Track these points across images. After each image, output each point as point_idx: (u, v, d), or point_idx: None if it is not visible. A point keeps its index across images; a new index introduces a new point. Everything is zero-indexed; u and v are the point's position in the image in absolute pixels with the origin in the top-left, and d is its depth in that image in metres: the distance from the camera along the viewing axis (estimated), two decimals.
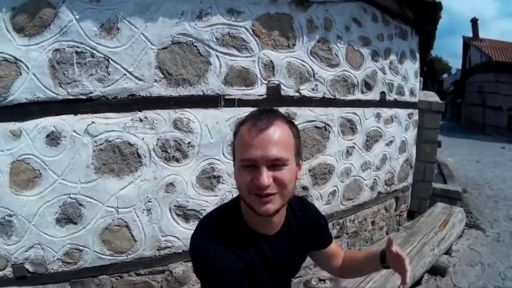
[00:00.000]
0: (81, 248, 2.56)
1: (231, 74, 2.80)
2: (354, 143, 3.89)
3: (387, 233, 4.80)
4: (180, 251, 2.84)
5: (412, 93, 5.05)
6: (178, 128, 2.67)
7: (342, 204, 3.92)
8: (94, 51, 2.39)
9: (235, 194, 1.27)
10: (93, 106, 2.44)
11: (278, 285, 1.27)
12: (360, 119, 3.91)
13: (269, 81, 3.01)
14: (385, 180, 4.60)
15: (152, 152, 2.63)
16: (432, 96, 6.09)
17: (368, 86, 3.93)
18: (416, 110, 5.36)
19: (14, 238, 2.44)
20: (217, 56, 2.73)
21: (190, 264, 2.80)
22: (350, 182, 3.95)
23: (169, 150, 2.67)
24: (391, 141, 4.55)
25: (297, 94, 3.22)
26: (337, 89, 3.56)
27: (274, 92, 3.04)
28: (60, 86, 2.35)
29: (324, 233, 1.48)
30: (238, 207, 1.18)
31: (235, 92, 2.85)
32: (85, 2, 2.32)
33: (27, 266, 2.49)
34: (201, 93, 2.72)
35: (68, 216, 2.50)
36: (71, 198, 2.48)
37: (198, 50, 2.67)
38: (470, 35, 26.95)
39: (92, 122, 2.45)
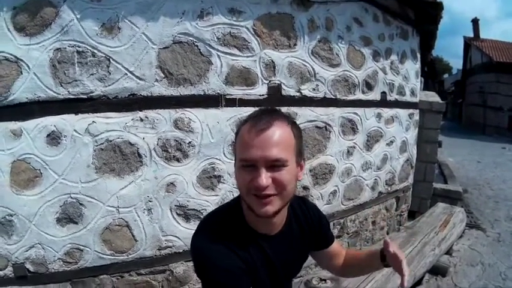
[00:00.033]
0: (81, 247, 2.56)
1: (232, 73, 2.80)
2: (354, 143, 3.89)
3: (388, 233, 4.79)
4: (181, 251, 2.84)
5: (413, 93, 5.04)
6: (179, 128, 2.67)
7: (343, 204, 3.92)
8: (95, 51, 2.38)
9: (236, 193, 1.27)
10: (94, 106, 2.44)
11: (279, 285, 1.26)
12: (361, 119, 3.90)
13: (270, 81, 3.00)
14: (386, 180, 4.59)
15: (153, 152, 2.63)
16: (433, 97, 6.08)
17: (369, 86, 3.93)
18: (417, 110, 5.35)
19: (14, 238, 2.44)
20: (218, 55, 2.73)
21: (191, 263, 2.81)
22: (351, 182, 3.95)
23: (170, 150, 2.67)
24: (391, 141, 4.55)
25: (297, 94, 3.22)
26: (338, 89, 3.56)
27: (275, 91, 3.04)
28: (61, 86, 2.35)
29: (325, 233, 1.47)
30: (239, 207, 1.18)
31: (236, 91, 2.85)
32: (86, 1, 2.32)
33: (28, 266, 2.49)
34: (202, 93, 2.72)
35: (69, 216, 2.50)
36: (71, 197, 2.48)
37: (199, 49, 2.66)
38: (471, 35, 26.92)
39: (93, 121, 2.45)
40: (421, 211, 5.52)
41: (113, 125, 2.50)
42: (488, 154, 13.76)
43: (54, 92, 2.34)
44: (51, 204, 2.45)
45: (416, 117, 5.34)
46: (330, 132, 3.55)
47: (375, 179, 4.35)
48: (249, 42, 2.84)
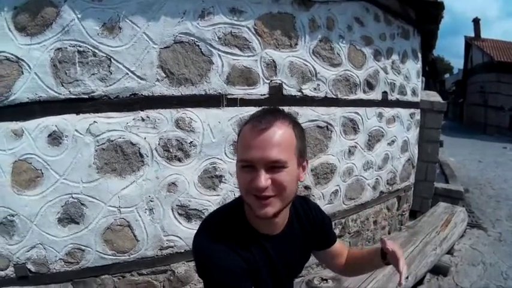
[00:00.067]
0: (83, 247, 2.56)
1: (233, 73, 2.80)
2: (356, 142, 3.88)
3: (389, 233, 4.79)
4: (182, 251, 2.83)
5: (414, 93, 5.04)
6: (180, 128, 2.67)
7: (344, 204, 3.91)
8: (96, 51, 2.38)
9: (237, 193, 1.27)
10: (95, 105, 2.44)
11: (281, 285, 1.26)
12: (362, 119, 3.90)
13: (271, 81, 3.00)
14: (387, 179, 4.59)
15: (154, 152, 2.62)
16: (434, 96, 6.07)
17: (370, 86, 3.92)
18: (418, 110, 5.35)
19: (16, 238, 2.44)
20: (219, 55, 2.73)
21: (192, 263, 2.81)
22: (352, 181, 3.95)
23: (171, 150, 2.67)
24: (393, 141, 4.54)
25: (299, 94, 3.21)
26: (339, 88, 3.55)
27: (276, 91, 3.04)
28: (62, 86, 2.35)
29: (327, 233, 1.47)
30: (241, 207, 1.17)
31: (238, 91, 2.84)
32: (87, 1, 2.31)
33: (29, 266, 2.49)
34: (203, 93, 2.71)
35: (70, 216, 2.50)
36: (73, 198, 2.48)
37: (200, 49, 2.66)
38: (472, 35, 26.90)
39: (94, 121, 2.44)
40: (423, 211, 5.51)
41: (114, 124, 2.49)
42: (490, 154, 13.74)
43: (55, 92, 2.34)
44: (53, 204, 2.45)
45: (418, 116, 5.34)
46: (331, 131, 3.55)
47: (376, 178, 4.35)
48: (250, 42, 2.84)
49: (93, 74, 2.40)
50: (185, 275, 2.89)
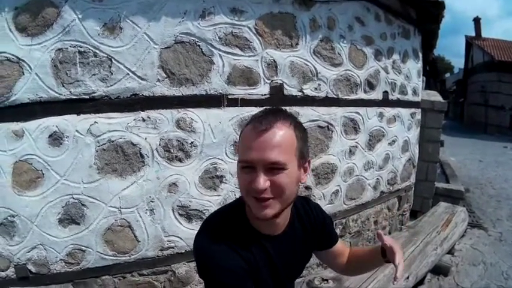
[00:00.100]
0: (83, 248, 2.56)
1: (234, 73, 2.80)
2: (356, 142, 3.88)
3: (390, 233, 4.79)
4: (183, 251, 2.83)
5: (414, 92, 5.03)
6: (181, 128, 2.67)
7: (345, 204, 3.91)
8: (97, 51, 2.38)
9: (238, 194, 1.27)
10: (96, 106, 2.44)
11: (282, 286, 1.26)
12: (363, 119, 3.89)
13: (272, 81, 3.00)
14: (388, 179, 4.59)
15: (155, 152, 2.62)
16: (435, 96, 6.07)
17: (371, 86, 3.92)
18: (419, 110, 5.35)
19: (16, 239, 2.44)
20: (220, 55, 2.72)
21: (193, 264, 2.81)
22: (353, 181, 3.95)
23: (172, 150, 2.66)
24: (393, 141, 4.54)
25: (299, 93, 3.21)
26: (340, 88, 3.55)
27: (277, 91, 3.03)
28: (63, 86, 2.35)
29: (328, 233, 1.47)
30: (242, 207, 1.17)
31: (238, 91, 2.84)
32: (88, 1, 2.31)
33: (30, 267, 2.49)
34: (204, 93, 2.71)
35: (71, 217, 2.50)
36: (73, 198, 2.47)
37: (201, 49, 2.66)
38: (473, 34, 26.87)
39: (95, 121, 2.44)
40: (423, 210, 5.51)
41: (115, 125, 2.49)
42: (490, 153, 13.73)
43: (56, 93, 2.34)
44: (53, 205, 2.45)
45: (418, 116, 5.33)
46: (332, 131, 3.54)
47: (377, 178, 4.34)
48: (250, 42, 2.84)
49: (94, 75, 2.40)
50: (186, 275, 2.89)
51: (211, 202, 2.86)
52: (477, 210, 6.49)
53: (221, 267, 1.03)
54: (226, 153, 2.86)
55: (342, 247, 1.55)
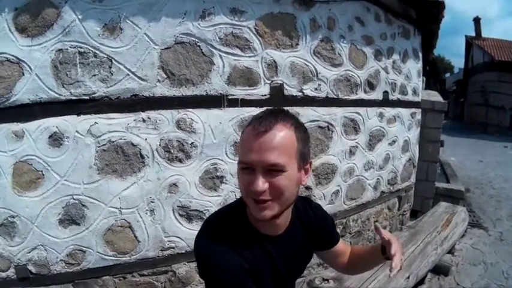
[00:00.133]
0: (84, 249, 2.56)
1: (234, 74, 2.80)
2: (357, 142, 3.88)
3: (390, 233, 4.78)
4: (184, 252, 2.83)
5: (415, 92, 5.03)
6: (181, 128, 2.67)
7: (345, 204, 3.91)
8: (97, 52, 2.38)
9: (238, 194, 1.27)
10: (96, 106, 2.44)
11: (283, 286, 1.26)
12: (363, 119, 3.89)
13: (272, 81, 3.00)
14: (388, 179, 4.59)
15: (155, 153, 2.62)
16: (435, 96, 6.07)
17: (371, 86, 3.92)
18: (419, 110, 5.34)
19: (17, 239, 2.44)
20: (220, 55, 2.72)
21: (193, 264, 2.81)
22: (353, 181, 3.95)
23: (172, 151, 2.66)
24: (394, 141, 4.54)
25: (300, 94, 3.21)
26: (340, 88, 3.55)
27: (277, 91, 3.03)
28: (63, 87, 2.35)
29: (330, 233, 1.47)
30: (243, 207, 1.16)
31: (239, 92, 2.84)
32: (88, 2, 2.31)
33: (30, 267, 2.49)
34: (204, 93, 2.71)
35: (71, 217, 2.50)
36: (73, 199, 2.47)
37: (201, 49, 2.66)
38: (473, 34, 26.85)
39: (95, 122, 2.44)
40: (424, 210, 5.51)
41: (115, 125, 2.49)
42: (490, 153, 13.72)
43: (56, 93, 2.34)
44: (54, 205, 2.44)
45: (419, 116, 5.33)
46: (332, 132, 3.54)
47: (377, 178, 4.34)
48: (251, 42, 2.84)
49: (94, 75, 2.40)
50: (186, 275, 2.89)
51: (211, 202, 2.86)
52: (477, 210, 6.49)
53: (222, 267, 1.03)
54: (226, 154, 2.86)
55: (344, 246, 1.56)
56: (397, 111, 4.52)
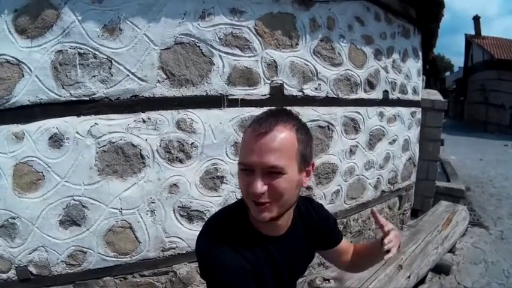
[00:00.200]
0: (85, 249, 2.56)
1: (234, 74, 2.79)
2: (357, 142, 3.88)
3: None
4: (184, 252, 2.83)
5: (415, 91, 5.03)
6: (181, 129, 2.67)
7: (346, 204, 3.91)
8: (97, 52, 2.38)
9: (239, 194, 1.26)
10: (96, 107, 2.44)
11: (284, 286, 1.26)
12: (363, 118, 3.89)
13: (272, 81, 3.00)
14: (389, 179, 4.59)
15: (155, 153, 2.62)
16: (435, 95, 6.07)
17: (371, 85, 3.92)
18: (419, 109, 5.34)
19: (17, 241, 2.43)
20: (220, 56, 2.72)
21: (194, 265, 2.81)
22: (353, 181, 3.95)
23: (172, 151, 2.66)
24: (394, 140, 4.54)
25: (300, 93, 3.21)
26: (340, 88, 3.55)
27: (277, 91, 3.03)
28: (63, 88, 2.35)
29: (332, 232, 1.47)
30: (244, 208, 1.15)
31: (239, 92, 2.84)
32: (87, 3, 2.31)
33: (31, 269, 2.49)
34: (204, 94, 2.71)
35: (72, 218, 2.49)
36: (74, 200, 2.47)
37: (201, 50, 2.66)
38: (473, 32, 26.82)
39: (95, 123, 2.44)
40: (424, 209, 5.50)
41: (115, 126, 2.49)
42: (491, 152, 13.70)
43: (56, 94, 2.34)
44: (54, 206, 2.44)
45: (419, 115, 5.33)
46: (332, 131, 3.54)
47: (378, 177, 4.34)
48: (250, 42, 2.83)
49: (94, 76, 2.40)
50: (187, 276, 2.89)
51: (212, 203, 2.86)
52: (478, 209, 6.48)
53: (223, 267, 1.03)
54: (226, 154, 2.86)
55: (347, 245, 1.56)
56: (397, 110, 4.52)
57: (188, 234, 2.79)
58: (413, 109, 5.03)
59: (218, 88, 2.75)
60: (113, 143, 2.50)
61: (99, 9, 2.34)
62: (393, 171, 4.66)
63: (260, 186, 0.98)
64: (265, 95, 2.97)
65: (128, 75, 2.47)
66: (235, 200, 1.33)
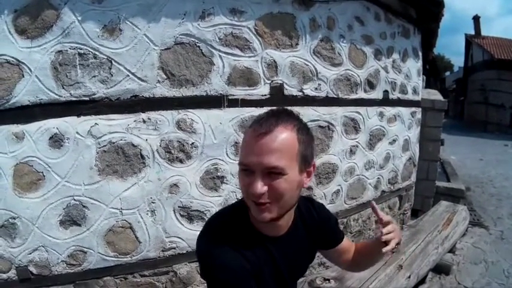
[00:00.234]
0: (85, 249, 2.56)
1: (234, 74, 2.80)
2: (357, 142, 3.88)
3: None
4: (185, 252, 2.84)
5: (415, 91, 5.03)
6: (181, 129, 2.67)
7: (346, 204, 3.91)
8: (97, 53, 2.38)
9: (239, 194, 1.26)
10: (96, 107, 2.44)
11: (284, 286, 1.26)
12: (363, 118, 3.89)
13: (272, 81, 3.00)
14: (389, 179, 4.59)
15: (156, 153, 2.62)
16: (435, 95, 6.06)
17: (371, 85, 3.92)
18: (420, 109, 5.34)
19: (17, 241, 2.43)
20: (220, 56, 2.72)
21: (194, 264, 2.81)
22: (354, 181, 3.95)
23: (172, 151, 2.66)
24: (394, 140, 4.54)
25: (300, 93, 3.21)
26: (340, 88, 3.55)
27: (277, 91, 3.03)
28: (63, 88, 2.35)
29: (334, 232, 1.47)
30: (245, 208, 1.15)
31: (239, 92, 2.84)
32: (87, 3, 2.31)
33: (31, 269, 2.49)
34: (204, 94, 2.71)
35: (72, 218, 2.50)
36: (74, 200, 2.47)
37: (201, 50, 2.66)
38: (473, 32, 26.82)
39: (95, 123, 2.44)
40: (424, 209, 5.50)
41: (115, 126, 2.49)
42: (491, 152, 13.70)
43: (56, 95, 2.34)
44: (54, 206, 2.44)
45: (419, 115, 5.33)
46: (332, 131, 3.54)
47: (378, 177, 4.34)
48: (250, 43, 2.84)
49: (94, 76, 2.40)
50: (187, 276, 2.89)
51: (212, 203, 2.86)
52: (478, 209, 6.48)
53: (223, 266, 1.03)
54: (227, 154, 2.86)
55: (348, 244, 1.55)
56: (397, 110, 4.52)
57: (188, 234, 2.79)
58: (413, 109, 5.03)
59: (218, 88, 2.75)
60: (113, 143, 2.50)
61: (99, 9, 2.34)
62: (393, 171, 4.66)
63: (260, 187, 0.98)
64: (265, 95, 2.97)
65: (128, 76, 2.47)
66: (236, 200, 1.34)
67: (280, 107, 1.19)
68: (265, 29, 2.89)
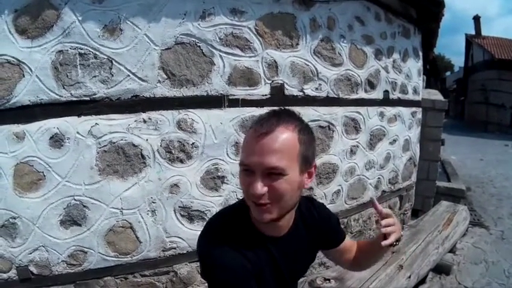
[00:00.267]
0: (85, 249, 2.56)
1: (235, 74, 2.79)
2: (357, 142, 3.88)
3: None
4: (185, 252, 2.84)
5: (415, 91, 5.03)
6: (182, 129, 2.67)
7: (346, 204, 3.91)
8: (97, 53, 2.38)
9: (240, 194, 1.26)
10: (97, 107, 2.43)
11: (285, 286, 1.26)
12: (364, 118, 3.89)
13: (273, 81, 3.00)
14: (389, 179, 4.59)
15: (156, 153, 2.62)
16: (435, 95, 6.07)
17: (371, 85, 3.92)
18: (420, 109, 5.34)
19: (18, 240, 2.43)
20: (220, 56, 2.72)
21: (195, 264, 2.81)
22: (354, 181, 3.94)
23: (173, 151, 2.66)
24: (394, 140, 4.54)
25: (300, 93, 3.21)
26: (341, 88, 3.55)
27: (277, 91, 3.03)
28: (64, 88, 2.34)
29: (335, 232, 1.47)
30: (245, 208, 1.15)
31: (239, 92, 2.84)
32: (88, 3, 2.31)
33: (32, 269, 2.49)
34: (205, 94, 2.71)
35: (72, 218, 2.49)
36: (75, 200, 2.47)
37: (202, 50, 2.66)
38: (473, 32, 26.82)
39: (96, 123, 2.44)
40: (425, 209, 5.50)
41: (116, 126, 2.49)
42: (491, 152, 13.70)
43: (57, 95, 2.34)
44: (55, 206, 2.44)
45: (419, 115, 5.33)
46: (333, 131, 3.54)
47: (378, 178, 4.34)
48: (251, 43, 2.83)
49: (95, 76, 2.40)
50: (188, 276, 2.89)
51: (212, 203, 2.86)
52: (478, 209, 6.48)
53: (224, 266, 1.03)
54: (227, 154, 2.86)
55: (350, 243, 1.56)
56: (398, 110, 4.52)
57: (189, 234, 2.79)
58: (413, 109, 5.03)
59: (219, 88, 2.75)
60: (114, 143, 2.50)
61: (99, 9, 2.34)
62: (394, 171, 4.66)
63: (260, 187, 0.98)
64: (265, 95, 2.97)
65: (129, 76, 2.47)
66: (236, 200, 1.34)
67: (280, 107, 1.18)
68: (265, 29, 2.89)
